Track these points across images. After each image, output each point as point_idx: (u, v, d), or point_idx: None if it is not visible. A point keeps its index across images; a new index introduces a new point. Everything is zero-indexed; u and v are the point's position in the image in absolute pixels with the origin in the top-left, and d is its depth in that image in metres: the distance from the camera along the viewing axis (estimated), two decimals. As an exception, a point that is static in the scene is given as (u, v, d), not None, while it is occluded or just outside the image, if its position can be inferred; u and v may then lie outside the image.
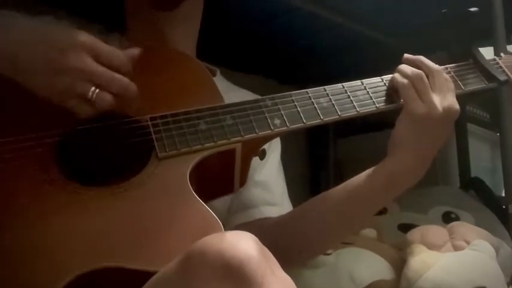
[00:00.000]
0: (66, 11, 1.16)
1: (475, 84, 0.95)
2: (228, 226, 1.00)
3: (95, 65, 0.74)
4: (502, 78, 0.96)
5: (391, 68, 0.94)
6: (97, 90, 0.74)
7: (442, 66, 0.93)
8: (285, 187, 1.09)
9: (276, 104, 0.86)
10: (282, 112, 0.85)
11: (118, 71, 0.76)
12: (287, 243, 0.94)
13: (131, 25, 1.03)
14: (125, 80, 0.76)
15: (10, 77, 0.74)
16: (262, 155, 0.90)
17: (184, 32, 1.01)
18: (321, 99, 0.87)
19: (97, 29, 1.04)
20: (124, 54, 0.78)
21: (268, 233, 0.94)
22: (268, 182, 1.05)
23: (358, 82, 0.91)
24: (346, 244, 1.25)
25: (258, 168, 1.03)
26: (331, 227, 0.94)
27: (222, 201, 0.96)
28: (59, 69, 0.73)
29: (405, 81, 0.86)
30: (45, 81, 0.74)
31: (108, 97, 0.75)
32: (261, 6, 1.33)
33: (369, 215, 0.93)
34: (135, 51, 0.80)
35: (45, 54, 0.73)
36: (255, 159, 0.92)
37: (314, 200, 0.95)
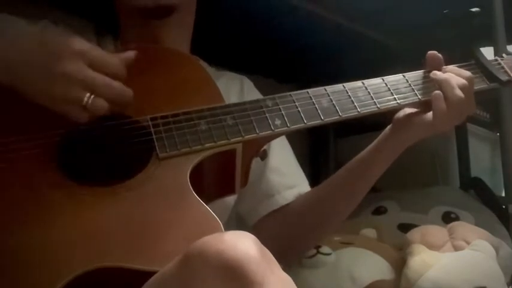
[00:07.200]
0: (63, 12, 1.17)
1: (477, 84, 0.95)
2: (253, 218, 1.04)
3: (89, 72, 0.74)
4: (504, 78, 0.96)
5: (391, 68, 0.94)
6: (92, 96, 0.74)
7: (443, 67, 0.93)
8: (296, 162, 1.12)
9: (277, 104, 0.86)
10: (283, 112, 0.85)
11: (113, 76, 0.76)
12: (310, 221, 1.01)
13: (124, 29, 1.04)
14: (120, 86, 0.76)
15: (8, 84, 0.74)
16: (264, 155, 0.90)
17: (176, 37, 1.02)
18: (322, 100, 0.87)
19: (93, 30, 1.04)
20: (119, 59, 0.78)
21: (292, 217, 1.01)
22: (281, 167, 1.07)
23: (359, 82, 0.90)
24: (346, 244, 1.25)
25: (270, 155, 1.05)
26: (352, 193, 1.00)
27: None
28: (54, 76, 0.73)
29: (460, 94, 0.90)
30: (41, 88, 0.74)
31: (102, 103, 0.75)
32: (261, 6, 1.33)
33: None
34: (130, 54, 0.80)
35: (42, 61, 0.74)
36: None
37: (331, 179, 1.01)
